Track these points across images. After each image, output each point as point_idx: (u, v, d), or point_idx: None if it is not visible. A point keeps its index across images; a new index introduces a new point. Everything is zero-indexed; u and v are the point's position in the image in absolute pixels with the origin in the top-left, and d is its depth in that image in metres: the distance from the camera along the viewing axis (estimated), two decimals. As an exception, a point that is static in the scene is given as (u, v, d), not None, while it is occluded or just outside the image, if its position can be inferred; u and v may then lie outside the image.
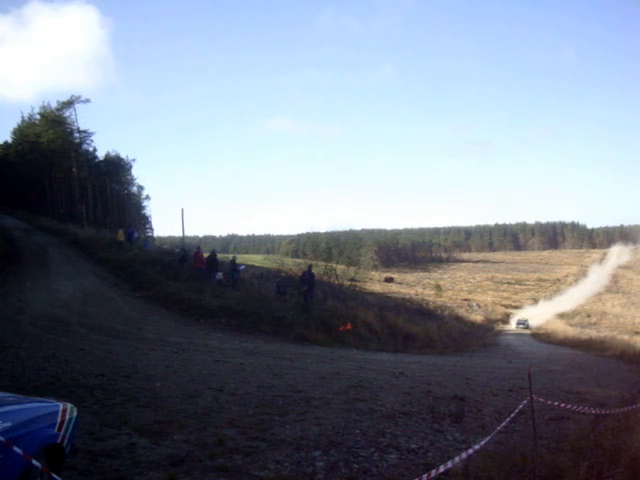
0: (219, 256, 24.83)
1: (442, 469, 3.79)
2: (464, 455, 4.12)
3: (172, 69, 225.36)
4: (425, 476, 3.58)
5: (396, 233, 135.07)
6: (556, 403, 5.79)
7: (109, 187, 54.55)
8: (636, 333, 29.42)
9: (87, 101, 51.34)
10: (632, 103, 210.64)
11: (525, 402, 4.86)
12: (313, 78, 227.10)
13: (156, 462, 4.32)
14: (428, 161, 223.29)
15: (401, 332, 18.49)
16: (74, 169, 49.43)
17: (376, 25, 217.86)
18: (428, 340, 19.18)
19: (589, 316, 46.26)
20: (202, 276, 20.79)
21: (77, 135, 51.89)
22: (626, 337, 25.67)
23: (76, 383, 6.83)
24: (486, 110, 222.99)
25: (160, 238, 60.69)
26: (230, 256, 28.18)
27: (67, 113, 50.88)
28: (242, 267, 21.50)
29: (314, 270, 19.62)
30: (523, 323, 46.77)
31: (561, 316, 47.49)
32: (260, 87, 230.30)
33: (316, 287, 19.54)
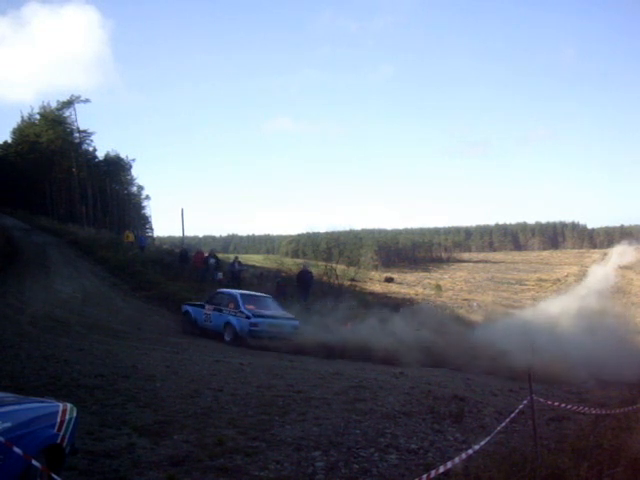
0: (219, 256, 24.85)
1: (442, 469, 3.78)
2: (464, 455, 4.12)
3: (172, 69, 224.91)
4: (425, 476, 3.57)
5: (396, 233, 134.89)
6: (556, 403, 5.78)
7: (109, 187, 54.53)
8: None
9: (87, 101, 51.57)
10: (632, 103, 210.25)
11: (525, 402, 4.85)
12: (312, 79, 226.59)
13: (156, 462, 4.32)
14: (428, 161, 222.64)
15: (401, 332, 18.46)
16: (74, 169, 49.46)
17: (375, 26, 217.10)
18: (428, 340, 19.15)
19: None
20: (202, 276, 20.89)
21: (77, 135, 51.99)
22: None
23: (76, 383, 6.83)
24: (486, 110, 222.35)
25: (160, 238, 60.51)
26: (231, 256, 28.24)
27: (67, 113, 51.08)
28: (239, 268, 21.49)
29: (313, 270, 19.63)
30: None
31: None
32: (260, 87, 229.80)
33: (316, 287, 19.54)
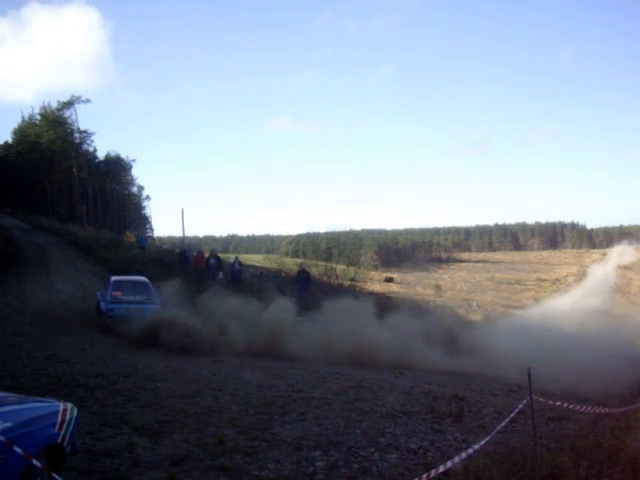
0: (220, 256, 24.89)
1: (442, 469, 3.79)
2: (464, 455, 4.12)
3: (172, 69, 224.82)
4: (425, 476, 3.58)
5: (396, 233, 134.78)
6: (556, 403, 5.78)
7: (109, 187, 54.54)
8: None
9: (87, 101, 51.51)
10: (632, 103, 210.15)
11: (525, 402, 4.86)
12: (312, 79, 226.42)
13: (156, 462, 4.33)
14: (428, 161, 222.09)
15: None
16: (74, 169, 49.44)
17: (375, 26, 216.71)
18: (428, 340, 19.11)
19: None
20: (203, 276, 20.92)
21: (77, 135, 51.97)
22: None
23: (76, 383, 6.84)
24: (486, 110, 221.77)
25: (160, 238, 60.48)
26: (232, 256, 28.26)
27: (67, 113, 51.04)
28: (239, 268, 21.49)
29: (313, 270, 19.62)
30: None
31: None
32: (260, 87, 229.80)
33: (316, 287, 19.55)
